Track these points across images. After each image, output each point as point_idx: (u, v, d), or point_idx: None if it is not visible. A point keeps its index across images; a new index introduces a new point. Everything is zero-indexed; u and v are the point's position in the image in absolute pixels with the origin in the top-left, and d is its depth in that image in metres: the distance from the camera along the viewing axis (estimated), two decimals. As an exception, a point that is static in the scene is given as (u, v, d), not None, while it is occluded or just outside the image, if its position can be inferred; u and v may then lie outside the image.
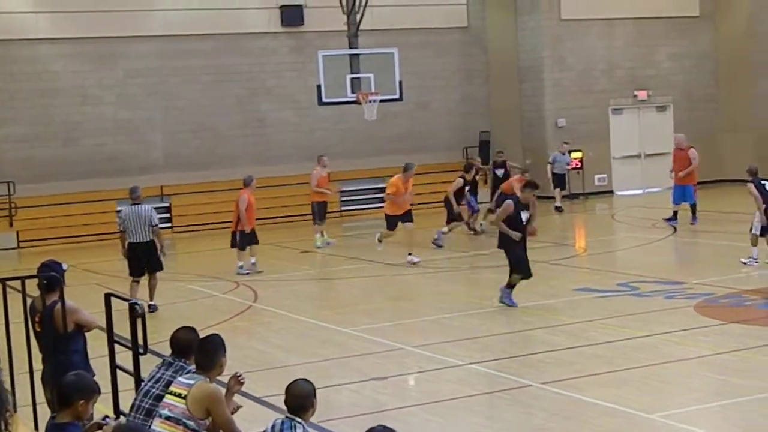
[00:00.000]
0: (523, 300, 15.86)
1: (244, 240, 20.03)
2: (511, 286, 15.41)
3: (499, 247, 15.58)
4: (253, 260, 20.33)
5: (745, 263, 17.72)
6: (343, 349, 13.55)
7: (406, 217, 20.77)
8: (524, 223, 15.19)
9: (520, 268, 15.25)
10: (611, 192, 32.81)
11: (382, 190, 31.44)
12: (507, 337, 13.78)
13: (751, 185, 17.87)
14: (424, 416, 10.23)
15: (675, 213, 23.66)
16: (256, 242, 20.42)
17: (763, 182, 17.82)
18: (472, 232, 24.52)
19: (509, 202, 15.32)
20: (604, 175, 32.84)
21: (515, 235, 15.03)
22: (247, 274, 19.86)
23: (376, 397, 11.20)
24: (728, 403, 10.20)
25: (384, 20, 29.86)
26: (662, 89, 33.48)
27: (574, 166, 31.55)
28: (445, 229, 22.95)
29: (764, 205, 17.51)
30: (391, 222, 20.95)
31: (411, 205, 21.21)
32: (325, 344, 13.96)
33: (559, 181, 29.63)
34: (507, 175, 26.01)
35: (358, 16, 25.55)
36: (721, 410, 10.07)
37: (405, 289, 18.17)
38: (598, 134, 32.46)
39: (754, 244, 17.77)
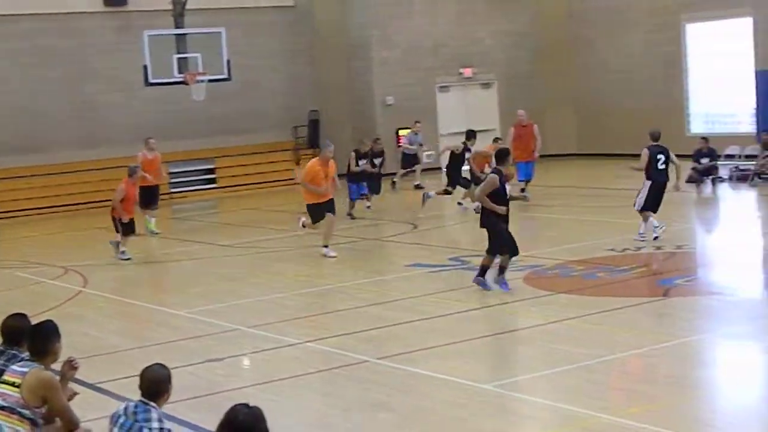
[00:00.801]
0: (357, 277, 15.99)
1: (123, 228, 19.29)
2: (503, 269, 14.25)
3: (483, 226, 14.37)
4: (122, 248, 19.37)
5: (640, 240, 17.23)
6: (178, 331, 13.41)
7: (329, 206, 18.25)
8: (507, 197, 14.14)
9: (509, 245, 14.14)
10: (440, 169, 33.26)
11: (212, 171, 31.32)
12: (342, 314, 13.86)
13: (646, 150, 17.32)
14: (262, 396, 10.21)
15: (523, 189, 23.58)
16: (132, 232, 19.62)
17: (659, 154, 17.22)
18: (349, 217, 22.82)
19: (494, 176, 14.08)
20: (432, 152, 33.26)
21: (501, 209, 13.94)
22: (128, 259, 19.20)
23: (213, 378, 11.13)
24: (558, 371, 10.50)
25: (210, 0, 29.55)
26: (486, 67, 34.08)
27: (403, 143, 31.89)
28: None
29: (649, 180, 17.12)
30: (315, 212, 18.27)
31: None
32: (159, 327, 13.80)
33: (410, 160, 29.58)
34: (383, 163, 25.02)
35: (184, -5, 25.23)
36: (552, 378, 10.36)
37: (238, 270, 18.05)
38: (426, 112, 32.84)
39: (646, 219, 17.33)
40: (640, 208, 17.43)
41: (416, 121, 30.33)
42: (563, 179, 27.66)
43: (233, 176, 31.30)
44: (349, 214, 22.80)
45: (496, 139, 24.04)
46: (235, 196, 29.83)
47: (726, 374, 10.57)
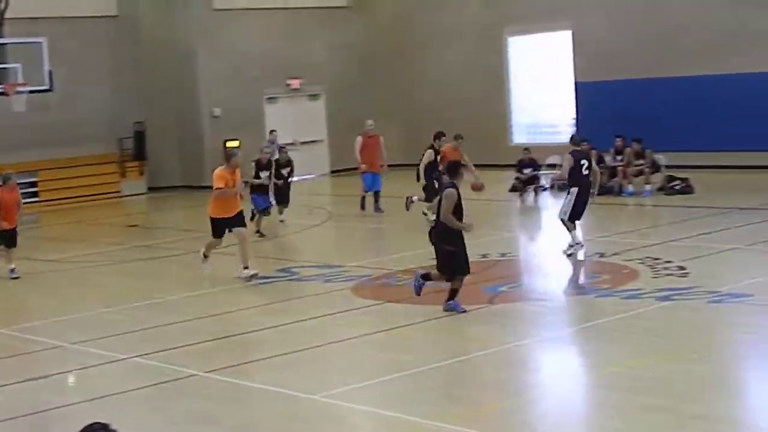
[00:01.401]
0: (185, 290, 15.83)
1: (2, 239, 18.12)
2: (455, 292, 13.19)
3: (438, 241, 13.22)
4: (12, 265, 18.04)
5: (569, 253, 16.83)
6: (-1, 350, 13.02)
7: (237, 220, 16.51)
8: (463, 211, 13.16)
9: (463, 267, 13.18)
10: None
11: (34, 184, 30.47)
12: (169, 329, 13.67)
13: (569, 156, 16.86)
14: (89, 412, 9.98)
15: (363, 199, 23.50)
16: (13, 245, 18.22)
17: (582, 160, 16.70)
18: (258, 234, 21.04)
19: (452, 190, 12.96)
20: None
21: (468, 225, 13.14)
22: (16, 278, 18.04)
23: (37, 397, 10.84)
24: (387, 379, 10.61)
25: (30, 8, 28.71)
26: (315, 78, 34.18)
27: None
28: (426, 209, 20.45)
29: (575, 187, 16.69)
30: (218, 227, 16.47)
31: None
32: (-22, 346, 13.36)
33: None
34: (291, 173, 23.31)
35: (2, 4, 24.52)
36: (380, 386, 10.47)
37: (62, 285, 17.63)
38: (253, 123, 32.72)
39: (570, 229, 16.80)
40: (566, 217, 16.86)
41: (272, 131, 28.76)
42: (392, 189, 27.93)
43: (56, 189, 30.52)
44: (258, 231, 21.00)
45: (457, 137, 22.48)
46: (59, 210, 29.11)
47: (548, 378, 10.87)
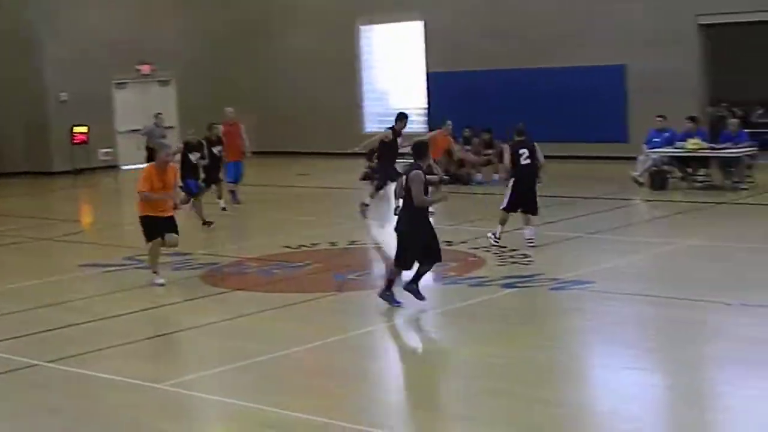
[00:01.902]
0: (27, 278, 15.47)
1: None
2: (419, 276, 12.66)
3: (400, 229, 12.67)
4: None
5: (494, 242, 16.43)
6: None
7: (168, 224, 14.62)
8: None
9: (432, 254, 12.64)
10: (117, 166, 32.65)
11: None
12: (12, 317, 13.33)
13: (506, 147, 16.66)
14: None
15: (233, 193, 22.48)
16: None
17: (521, 149, 16.30)
18: (207, 226, 19.63)
19: (418, 172, 12.34)
20: (110, 149, 32.63)
21: (443, 195, 13.28)
22: None
23: None
24: (234, 367, 10.57)
25: None
26: (165, 64, 33.72)
27: (79, 140, 31.18)
28: (368, 200, 19.92)
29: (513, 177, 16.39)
30: (150, 227, 14.57)
31: None
32: None
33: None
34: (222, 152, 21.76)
35: None
36: (227, 375, 10.42)
37: None
38: (102, 109, 32.11)
39: (503, 222, 16.46)
40: (503, 207, 16.55)
41: (157, 114, 28.17)
42: (246, 178, 27.79)
43: None
44: (207, 222, 19.60)
45: (445, 121, 22.43)
46: None
47: (394, 364, 10.99)
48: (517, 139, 16.60)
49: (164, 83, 34.06)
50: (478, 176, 25.10)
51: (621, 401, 9.16)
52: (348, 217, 20.58)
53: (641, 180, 22.90)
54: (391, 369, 10.82)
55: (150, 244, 14.60)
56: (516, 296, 13.12)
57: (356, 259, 16.45)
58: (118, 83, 32.96)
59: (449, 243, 17.10)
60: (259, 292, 13.99)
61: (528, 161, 16.36)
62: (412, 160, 12.69)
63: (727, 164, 22.43)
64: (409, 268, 12.58)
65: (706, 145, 22.60)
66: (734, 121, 23.81)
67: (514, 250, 15.93)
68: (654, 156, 23.02)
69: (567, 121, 28.61)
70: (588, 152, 27.86)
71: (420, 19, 31.59)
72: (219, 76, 34.56)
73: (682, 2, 27.37)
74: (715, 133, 25.31)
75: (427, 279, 14.23)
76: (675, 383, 9.75)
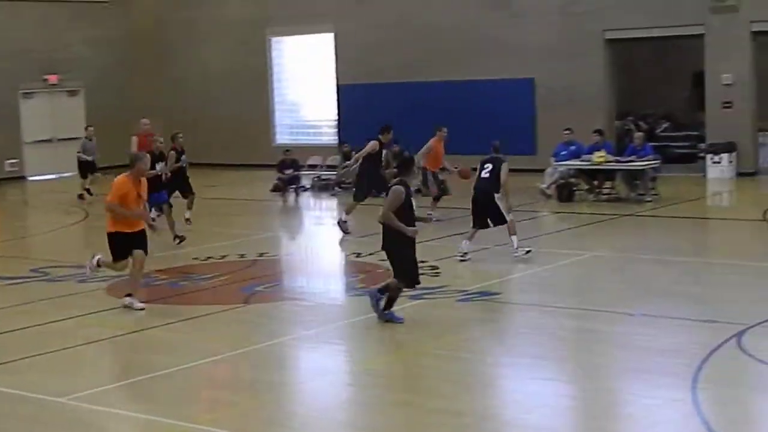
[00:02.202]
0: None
1: None
2: (391, 300, 12.39)
3: (385, 248, 12.38)
4: None
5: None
6: None
7: (139, 240, 13.54)
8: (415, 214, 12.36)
9: (410, 275, 12.30)
10: (23, 177, 32.17)
11: None
12: None
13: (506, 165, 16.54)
14: None
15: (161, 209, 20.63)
16: None
17: (486, 164, 16.45)
18: (177, 240, 18.56)
19: (398, 188, 12.00)
20: (16, 160, 32.14)
21: (412, 231, 12.10)
22: None
23: None
24: (138, 380, 10.50)
25: None
26: (74, 74, 33.32)
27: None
28: (346, 217, 19.14)
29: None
30: (118, 245, 13.45)
31: None
32: None
33: (87, 169, 26.76)
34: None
35: None
36: (132, 388, 10.34)
37: None
38: (7, 119, 31.62)
39: (470, 235, 16.52)
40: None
41: (87, 126, 27.73)
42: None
43: None
44: (178, 237, 18.49)
45: (440, 127, 21.38)
46: None
47: (300, 376, 10.99)
48: (489, 155, 16.80)
49: (73, 93, 33.66)
50: (389, 188, 25.15)
51: (523, 411, 9.28)
52: (259, 229, 20.55)
53: (549, 192, 23.22)
54: (298, 381, 10.82)
55: (117, 263, 13.63)
56: (422, 307, 13.20)
57: (265, 271, 16.41)
58: (25, 93, 32.48)
59: (358, 255, 17.20)
60: (167, 305, 13.89)
61: (487, 176, 16.44)
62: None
63: (632, 177, 22.84)
64: (417, 282, 12.37)
65: (611, 158, 23.00)
66: (639, 134, 24.26)
67: (423, 261, 15.98)
68: (561, 169, 23.37)
69: (476, 134, 28.74)
70: (497, 164, 28.11)
71: (331, 31, 31.66)
72: (128, 86, 34.28)
73: (589, 17, 27.83)
74: (622, 146, 25.79)
75: (338, 291, 14.31)
76: (578, 393, 9.91)
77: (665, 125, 31.84)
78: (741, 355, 10.52)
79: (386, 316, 12.30)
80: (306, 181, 27.28)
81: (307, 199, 26.08)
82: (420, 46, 29.99)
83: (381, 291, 12.36)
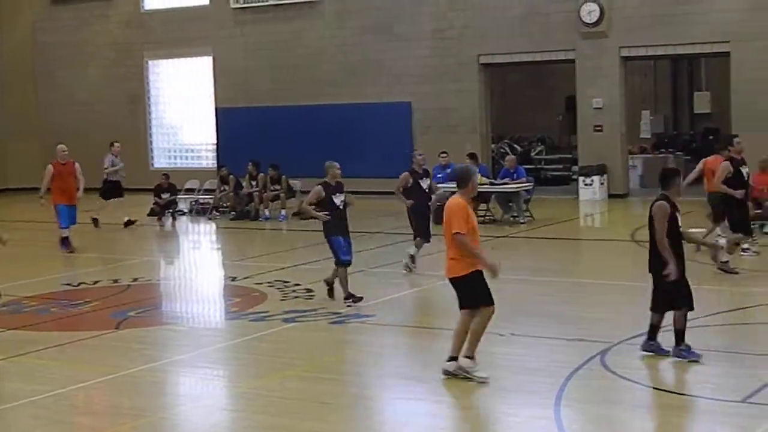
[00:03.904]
0: None
1: None
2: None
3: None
4: None
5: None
6: None
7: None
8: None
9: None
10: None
11: None
12: None
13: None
14: None
15: (66, 239, 20.59)
16: None
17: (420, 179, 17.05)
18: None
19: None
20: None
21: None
22: None
23: None
24: (8, 408, 10.31)
25: None
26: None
27: None
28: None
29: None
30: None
31: None
32: None
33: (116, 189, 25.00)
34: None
35: None
36: (1, 415, 10.15)
37: None
38: None
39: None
40: None
41: (113, 142, 25.32)
42: (27, 213, 27.07)
43: None
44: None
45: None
46: None
47: (171, 401, 10.89)
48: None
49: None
50: (266, 212, 25.18)
51: (391, 431, 9.37)
52: (134, 253, 20.35)
53: (425, 215, 23.42)
54: (168, 406, 10.73)
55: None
56: (296, 330, 13.24)
57: (139, 296, 16.23)
58: None
59: (233, 279, 17.15)
60: (36, 332, 13.65)
61: (427, 189, 17.25)
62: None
63: (507, 199, 23.21)
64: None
65: (486, 180, 23.32)
66: (510, 157, 24.68)
67: (298, 284, 16.06)
68: (437, 191, 23.59)
69: (355, 157, 28.98)
70: (375, 188, 28.30)
71: (209, 55, 31.57)
72: (3, 109, 33.65)
73: (465, 42, 28.28)
74: (497, 169, 26.22)
75: (213, 315, 14.26)
76: (446, 412, 10.05)
77: (539, 148, 32.51)
78: (604, 372, 10.79)
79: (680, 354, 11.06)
80: (183, 205, 27.10)
81: (184, 223, 25.91)
82: (299, 69, 30.10)
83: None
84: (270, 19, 30.67)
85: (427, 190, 17.35)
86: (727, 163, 16.17)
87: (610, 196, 27.12)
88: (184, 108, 32.97)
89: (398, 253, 19.39)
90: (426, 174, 17.59)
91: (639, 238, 20.40)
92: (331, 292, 14.72)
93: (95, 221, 23.84)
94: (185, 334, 13.62)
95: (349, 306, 14.22)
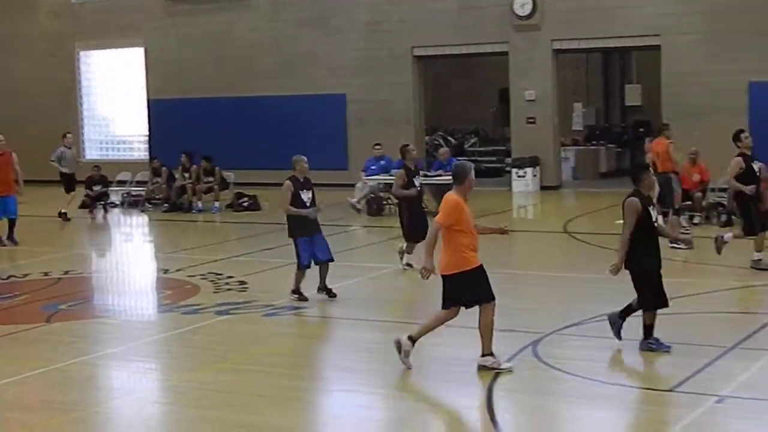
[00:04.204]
0: None
1: None
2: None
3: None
4: None
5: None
6: None
7: None
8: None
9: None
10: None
11: None
12: None
13: None
14: None
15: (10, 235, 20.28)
16: None
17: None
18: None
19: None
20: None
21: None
22: None
23: None
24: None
25: None
26: None
27: None
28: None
29: None
30: None
31: None
32: None
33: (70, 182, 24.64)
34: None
35: None
36: (-76, 412, 10.02)
37: None
38: None
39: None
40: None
41: (66, 133, 25.13)
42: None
43: None
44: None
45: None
46: None
47: (103, 395, 10.80)
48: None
49: None
50: (199, 204, 25.03)
51: (325, 423, 9.41)
52: (64, 246, 20.16)
53: (359, 207, 23.48)
54: (100, 400, 10.64)
55: None
56: (229, 323, 13.19)
57: (70, 289, 16.06)
58: None
59: (166, 271, 17.04)
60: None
61: (418, 187, 16.54)
62: None
63: (440, 191, 23.27)
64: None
65: (420, 172, 23.37)
66: (443, 149, 24.79)
67: (231, 277, 16.00)
68: (371, 183, 23.68)
69: (290, 149, 28.85)
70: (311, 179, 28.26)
71: (141, 46, 31.29)
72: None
73: (399, 34, 28.33)
74: (432, 161, 26.31)
75: (145, 308, 14.15)
76: (379, 403, 10.07)
77: (473, 140, 32.67)
78: (536, 362, 10.89)
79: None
80: (115, 198, 26.86)
81: (116, 215, 25.68)
82: (234, 61, 29.96)
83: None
84: (203, 10, 30.49)
85: (419, 188, 16.50)
86: (740, 158, 15.69)
87: (543, 187, 27.35)
88: (116, 99, 32.65)
89: (332, 245, 19.38)
90: (418, 172, 16.81)
91: (571, 230, 20.64)
92: (329, 294, 14.17)
93: (63, 215, 23.79)
94: (117, 327, 13.51)
95: (291, 298, 13.99)
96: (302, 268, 13.98)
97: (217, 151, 26.24)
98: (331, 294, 14.13)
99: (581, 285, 15.37)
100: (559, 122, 28.14)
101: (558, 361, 10.82)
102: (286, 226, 14.23)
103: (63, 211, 23.88)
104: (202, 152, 25.74)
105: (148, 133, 31.27)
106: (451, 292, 10.52)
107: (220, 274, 16.23)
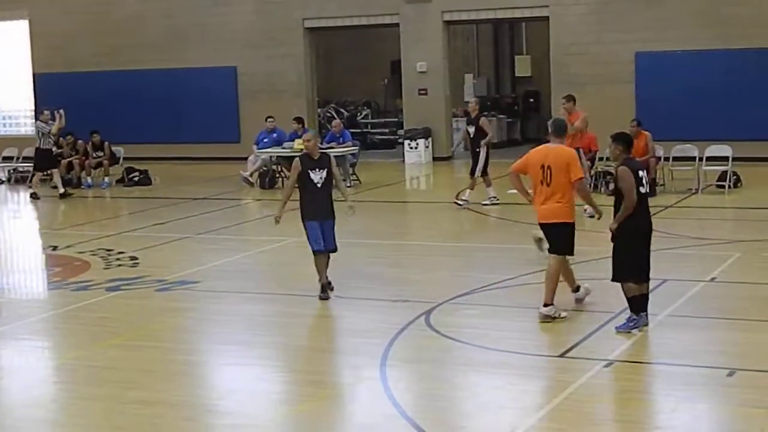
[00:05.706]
0: None
1: None
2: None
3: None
4: None
5: None
6: None
7: None
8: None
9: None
10: None
11: None
12: None
13: None
14: None
15: None
16: None
17: None
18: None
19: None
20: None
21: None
22: None
23: None
24: None
25: None
26: None
27: None
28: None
29: None
30: None
31: None
32: None
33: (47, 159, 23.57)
34: None
35: None
36: None
37: None
38: None
39: None
40: None
41: (44, 110, 23.78)
42: None
43: None
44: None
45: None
46: None
47: (-10, 375, 10.61)
48: None
49: None
50: (88, 179, 24.63)
51: (219, 397, 9.34)
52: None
53: (251, 180, 23.35)
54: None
55: None
56: (119, 299, 13.03)
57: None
58: None
59: (54, 248, 16.75)
60: None
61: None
62: None
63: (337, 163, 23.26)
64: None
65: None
66: (336, 122, 24.80)
67: (122, 252, 15.79)
68: (263, 156, 23.55)
69: (181, 123, 28.70)
70: (202, 153, 28.06)
71: (25, 18, 30.59)
72: None
73: (289, 5, 28.17)
74: (324, 133, 26.27)
75: (33, 286, 13.89)
76: (273, 376, 10.06)
77: (366, 112, 32.69)
78: (428, 331, 10.97)
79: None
80: (1, 174, 26.29)
81: (2, 192, 25.14)
82: (122, 34, 29.46)
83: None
84: (89, -20, 29.91)
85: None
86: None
87: (435, 158, 27.51)
88: (0, 74, 31.89)
89: (225, 219, 19.31)
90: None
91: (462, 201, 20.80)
92: (329, 287, 12.82)
93: (33, 194, 23.16)
94: (5, 306, 13.22)
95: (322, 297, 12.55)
96: (315, 253, 12.74)
97: (106, 126, 25.83)
98: (330, 287, 12.81)
99: (472, 255, 15.52)
100: (450, 94, 28.30)
101: (450, 329, 10.92)
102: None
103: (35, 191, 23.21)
104: (90, 127, 25.27)
105: (34, 108, 30.60)
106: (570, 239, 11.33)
107: (111, 250, 16.01)
